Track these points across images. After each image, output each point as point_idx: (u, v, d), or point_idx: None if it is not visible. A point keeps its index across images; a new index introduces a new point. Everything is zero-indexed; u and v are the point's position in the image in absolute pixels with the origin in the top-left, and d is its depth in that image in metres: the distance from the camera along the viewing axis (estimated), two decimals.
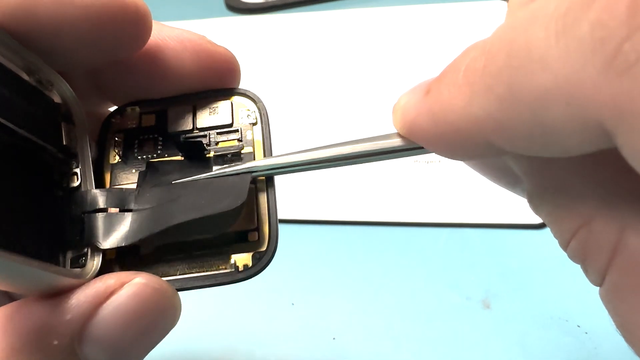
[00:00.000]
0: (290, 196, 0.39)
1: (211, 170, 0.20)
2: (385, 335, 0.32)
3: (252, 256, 0.19)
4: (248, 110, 0.21)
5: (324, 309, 0.33)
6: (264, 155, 0.20)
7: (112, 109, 0.23)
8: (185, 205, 0.19)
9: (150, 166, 0.20)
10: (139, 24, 0.19)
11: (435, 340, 0.31)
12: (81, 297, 0.16)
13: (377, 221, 0.37)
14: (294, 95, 0.47)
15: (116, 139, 0.21)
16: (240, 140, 0.21)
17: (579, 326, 0.31)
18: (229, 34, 0.53)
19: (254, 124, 0.21)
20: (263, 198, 0.20)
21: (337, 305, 0.33)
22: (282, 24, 0.54)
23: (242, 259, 0.19)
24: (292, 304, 0.34)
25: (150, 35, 0.20)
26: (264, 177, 0.20)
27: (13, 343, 0.15)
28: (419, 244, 0.36)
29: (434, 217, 0.37)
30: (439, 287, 0.34)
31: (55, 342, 0.15)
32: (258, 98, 0.22)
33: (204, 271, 0.19)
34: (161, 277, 0.18)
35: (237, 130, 0.21)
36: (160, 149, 0.21)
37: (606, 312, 0.15)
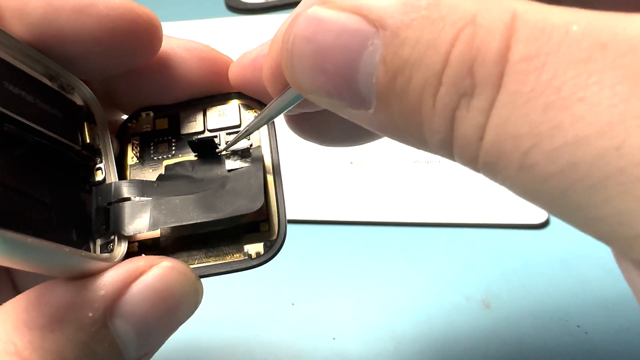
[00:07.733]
0: (291, 196, 0.39)
1: (224, 167, 0.21)
2: (385, 335, 0.32)
3: (264, 245, 0.20)
4: (254, 111, 0.23)
5: (324, 309, 0.33)
6: (271, 152, 0.22)
7: (119, 117, 0.25)
8: (204, 204, 0.20)
9: (167, 169, 0.22)
10: (151, 34, 0.21)
11: (435, 340, 0.31)
12: (114, 275, 0.17)
13: (377, 221, 0.37)
14: None
15: (133, 141, 0.23)
16: (249, 139, 0.22)
17: (578, 326, 0.31)
18: (229, 34, 0.53)
19: None
20: (271, 191, 0.21)
21: (337, 305, 0.33)
22: None
23: (254, 248, 0.20)
24: (292, 304, 0.34)
25: (161, 45, 0.21)
26: (272, 171, 0.21)
27: (47, 317, 0.16)
28: (419, 244, 0.36)
29: (434, 217, 0.37)
30: (439, 287, 0.34)
31: (90, 314, 0.17)
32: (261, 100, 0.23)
33: (220, 260, 0.20)
34: None
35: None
36: (174, 150, 0.23)
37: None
